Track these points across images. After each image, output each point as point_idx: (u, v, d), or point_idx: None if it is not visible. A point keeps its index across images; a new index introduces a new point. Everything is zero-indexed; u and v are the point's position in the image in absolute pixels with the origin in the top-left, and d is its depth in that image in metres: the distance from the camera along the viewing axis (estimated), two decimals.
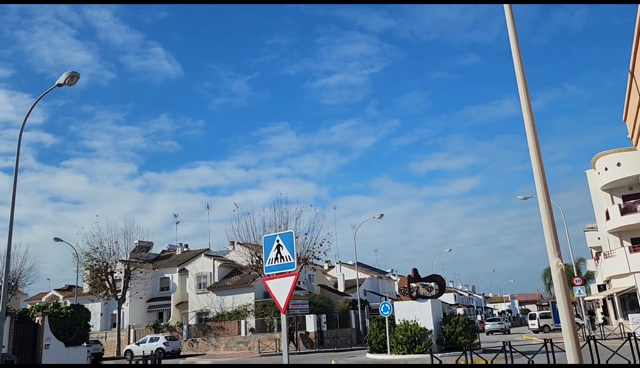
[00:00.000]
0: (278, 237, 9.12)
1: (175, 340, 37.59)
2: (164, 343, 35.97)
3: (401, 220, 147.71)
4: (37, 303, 28.78)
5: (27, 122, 16.77)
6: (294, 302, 35.74)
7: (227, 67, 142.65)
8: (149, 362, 19.13)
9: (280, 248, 9.05)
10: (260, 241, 38.37)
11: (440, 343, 22.81)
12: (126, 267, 42.43)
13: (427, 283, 24.88)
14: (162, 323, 44.21)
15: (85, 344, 24.44)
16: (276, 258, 9.04)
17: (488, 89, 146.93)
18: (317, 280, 53.27)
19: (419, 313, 23.20)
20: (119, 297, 42.12)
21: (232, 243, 45.38)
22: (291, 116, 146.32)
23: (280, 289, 8.76)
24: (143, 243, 53.62)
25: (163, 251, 57.77)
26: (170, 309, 47.64)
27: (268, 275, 9.21)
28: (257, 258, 37.93)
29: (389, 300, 33.01)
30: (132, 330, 43.45)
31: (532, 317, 47.70)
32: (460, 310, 72.27)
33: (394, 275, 72.74)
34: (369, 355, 24.49)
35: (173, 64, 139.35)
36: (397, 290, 49.56)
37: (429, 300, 23.60)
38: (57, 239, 42.72)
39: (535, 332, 43.84)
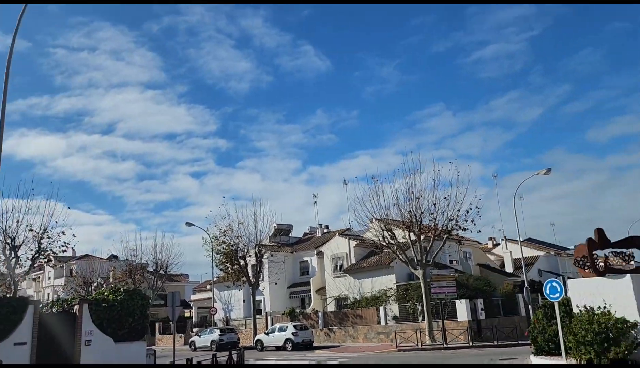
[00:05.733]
0: None
1: (305, 329, 33.27)
2: (292, 334, 31.92)
3: (585, 197, 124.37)
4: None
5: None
6: (437, 283, 28.79)
7: (374, 54, 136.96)
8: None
9: None
10: (390, 213, 32.12)
11: None
12: (256, 250, 39.54)
13: (623, 250, 16.13)
14: (298, 311, 40.59)
15: (144, 339, 18.98)
16: None
17: None
18: (475, 259, 44.85)
19: (611, 296, 14.82)
20: (253, 282, 39.47)
21: (371, 220, 39.78)
22: (446, 96, 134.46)
23: None
24: (282, 227, 51.05)
25: (305, 234, 54.72)
26: (310, 295, 43.98)
27: None
28: (391, 234, 31.72)
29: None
30: (269, 318, 40.64)
31: None
32: None
33: None
34: (533, 359, 16.74)
35: (322, 59, 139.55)
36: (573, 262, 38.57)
37: (628, 275, 14.95)
38: (188, 224, 41.96)
39: None
